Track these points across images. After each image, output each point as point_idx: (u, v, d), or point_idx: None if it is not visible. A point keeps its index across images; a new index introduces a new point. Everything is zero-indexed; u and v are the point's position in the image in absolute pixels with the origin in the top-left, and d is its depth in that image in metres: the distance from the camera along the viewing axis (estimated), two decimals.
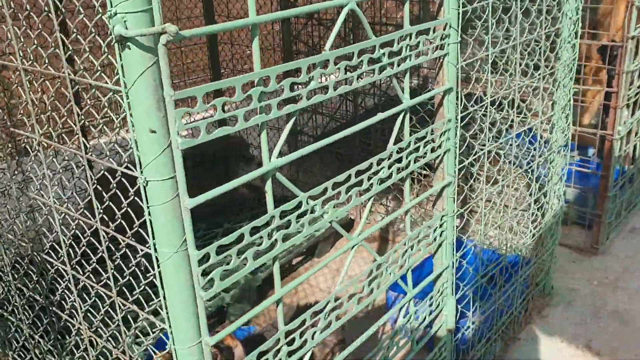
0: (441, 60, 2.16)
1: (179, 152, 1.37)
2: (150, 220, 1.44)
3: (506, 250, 3.00)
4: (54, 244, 1.93)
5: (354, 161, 4.74)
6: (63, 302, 2.06)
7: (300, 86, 1.64)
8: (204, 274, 1.49)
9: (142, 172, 1.40)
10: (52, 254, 1.96)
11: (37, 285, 2.15)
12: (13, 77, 1.77)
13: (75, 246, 1.84)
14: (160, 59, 1.30)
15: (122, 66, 1.32)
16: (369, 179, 1.94)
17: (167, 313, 1.52)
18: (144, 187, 1.41)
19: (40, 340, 2.31)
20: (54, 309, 2.12)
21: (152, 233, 1.45)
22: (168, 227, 1.43)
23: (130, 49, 1.28)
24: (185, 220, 1.43)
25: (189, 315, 1.51)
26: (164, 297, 1.51)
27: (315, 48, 5.06)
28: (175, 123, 1.34)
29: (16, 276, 2.26)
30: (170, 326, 1.53)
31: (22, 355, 2.53)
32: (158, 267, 1.49)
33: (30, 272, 2.15)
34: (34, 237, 2.05)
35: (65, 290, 1.99)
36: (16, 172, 1.98)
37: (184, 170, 1.39)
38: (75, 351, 2.14)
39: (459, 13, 2.10)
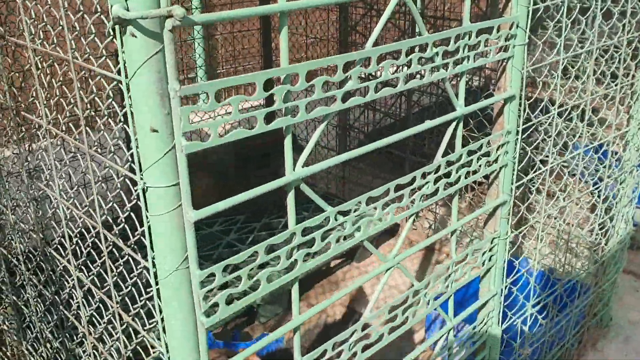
0: (504, 63, 1.90)
1: (183, 157, 1.18)
2: (149, 231, 1.26)
3: (563, 272, 2.73)
4: (62, 239, 1.78)
5: (406, 162, 4.50)
6: (71, 300, 1.91)
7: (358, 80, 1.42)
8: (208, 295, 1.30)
9: (141, 176, 1.21)
10: (60, 249, 1.81)
11: (47, 279, 2.01)
12: (26, 57, 1.61)
13: (81, 244, 1.68)
14: (166, 47, 1.11)
15: (123, 53, 1.14)
16: (411, 194, 1.71)
17: (165, 337, 1.33)
18: (144, 193, 1.22)
19: (50, 335, 2.18)
20: (61, 307, 1.97)
21: (151, 245, 1.27)
22: (168, 241, 1.24)
23: (130, 33, 1.09)
24: (188, 234, 1.24)
25: (188, 342, 1.32)
26: (162, 320, 1.32)
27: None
28: (181, 122, 1.15)
29: (29, 266, 2.13)
30: (167, 351, 1.35)
31: (35, 347, 2.41)
32: (157, 284, 1.31)
33: (42, 264, 2.01)
34: (44, 229, 1.90)
35: (73, 290, 1.84)
36: (28, 159, 1.83)
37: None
38: (82, 354, 1.99)
39: (528, 11, 1.84)
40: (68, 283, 1.83)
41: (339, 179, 4.70)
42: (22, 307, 2.34)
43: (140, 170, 1.21)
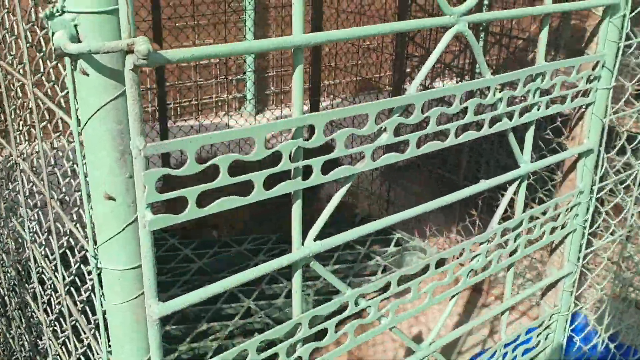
0: (583, 110, 1.54)
1: (148, 234, 0.88)
2: (104, 321, 0.97)
3: (629, 339, 2.34)
4: (36, 286, 1.51)
5: (458, 186, 4.11)
6: (49, 349, 1.65)
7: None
8: None
9: (95, 252, 0.92)
10: (38, 295, 1.55)
11: (28, 323, 1.75)
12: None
13: (53, 299, 1.41)
14: (128, 92, 0.81)
15: (74, 93, 0.85)
16: (456, 268, 1.38)
17: None
18: (98, 275, 0.94)
19: None
20: (38, 358, 1.71)
21: (107, 339, 0.98)
22: (127, 334, 0.95)
23: (81, 70, 0.80)
24: (151, 333, 0.94)
25: None
26: None
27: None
28: (145, 191, 0.85)
29: (15, 301, 1.89)
30: None
31: None
32: None
33: (24, 304, 1.76)
34: (22, 268, 1.65)
35: (48, 344, 1.58)
36: (9, 185, 1.57)
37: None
38: None
39: (618, 48, 1.48)
40: (45, 335, 1.57)
41: (383, 200, 4.36)
42: (10, 340, 2.10)
43: (95, 244, 0.92)
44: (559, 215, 1.58)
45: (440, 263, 1.36)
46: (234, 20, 4.39)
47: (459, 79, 4.31)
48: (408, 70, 4.39)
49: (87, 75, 0.81)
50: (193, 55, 0.82)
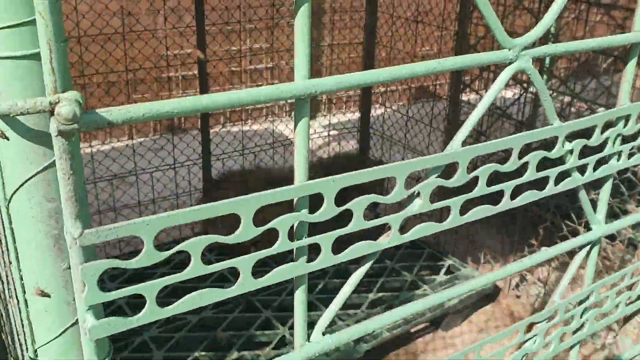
0: None
1: (91, 343, 0.67)
2: None
3: None
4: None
5: (518, 213, 3.78)
6: None
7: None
8: None
9: (35, 354, 0.72)
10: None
11: None
12: None
13: None
14: (58, 163, 0.60)
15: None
16: (508, 351, 1.13)
17: None
18: None
19: None
20: None
21: None
22: None
23: None
24: None
25: None
26: None
27: (498, 67, 4.13)
28: (85, 290, 0.64)
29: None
30: None
31: None
32: None
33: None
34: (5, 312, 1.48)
35: None
36: None
37: None
38: None
39: None
40: None
41: (435, 220, 4.06)
42: None
43: (32, 344, 0.72)
44: (636, 283, 1.30)
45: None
46: (281, 25, 4.20)
47: (522, 88, 4.00)
48: (467, 79, 4.11)
49: (7, 139, 0.60)
50: (145, 115, 0.60)
